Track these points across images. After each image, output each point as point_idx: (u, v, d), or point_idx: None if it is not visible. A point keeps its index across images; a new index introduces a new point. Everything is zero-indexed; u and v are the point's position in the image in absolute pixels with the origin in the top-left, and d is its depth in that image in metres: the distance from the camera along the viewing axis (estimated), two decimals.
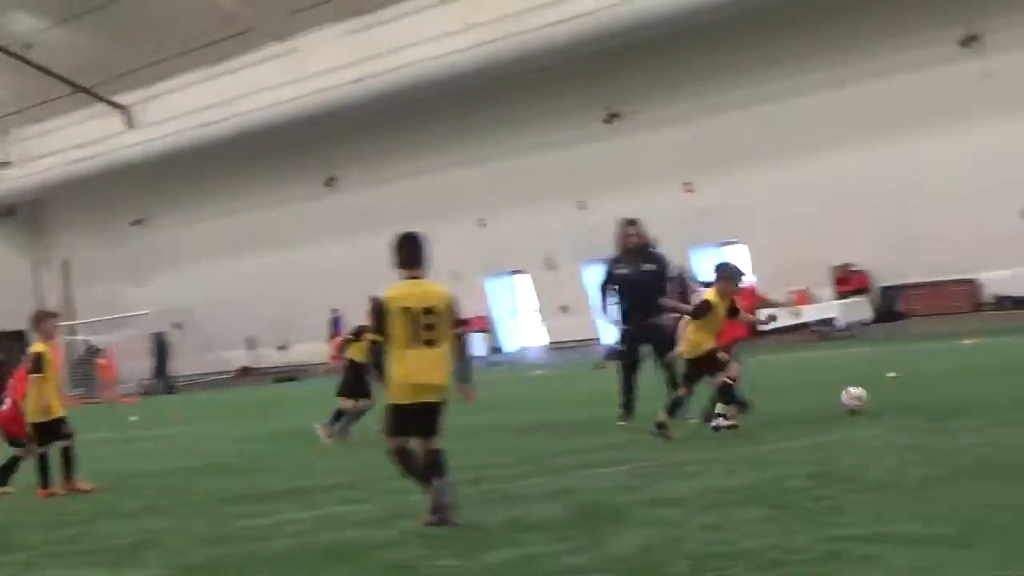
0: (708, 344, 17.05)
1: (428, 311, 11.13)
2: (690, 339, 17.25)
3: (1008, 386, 19.49)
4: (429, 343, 11.10)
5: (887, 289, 48.04)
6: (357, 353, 21.67)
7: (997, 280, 44.90)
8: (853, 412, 16.72)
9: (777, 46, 47.85)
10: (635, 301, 19.78)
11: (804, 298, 46.14)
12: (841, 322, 45.96)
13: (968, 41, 44.06)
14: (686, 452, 14.94)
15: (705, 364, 17.03)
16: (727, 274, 17.51)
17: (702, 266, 51.14)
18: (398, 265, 11.40)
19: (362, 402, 21.83)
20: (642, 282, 19.82)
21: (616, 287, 20.13)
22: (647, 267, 20.01)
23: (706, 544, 9.16)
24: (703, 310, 17.14)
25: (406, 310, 11.10)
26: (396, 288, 11.30)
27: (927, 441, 13.78)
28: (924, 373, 24.27)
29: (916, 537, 8.69)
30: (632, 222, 20.61)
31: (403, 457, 11.29)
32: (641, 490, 12.18)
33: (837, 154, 47.22)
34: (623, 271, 20.04)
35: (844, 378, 20.23)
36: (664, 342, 19.43)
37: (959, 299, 45.74)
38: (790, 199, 48.53)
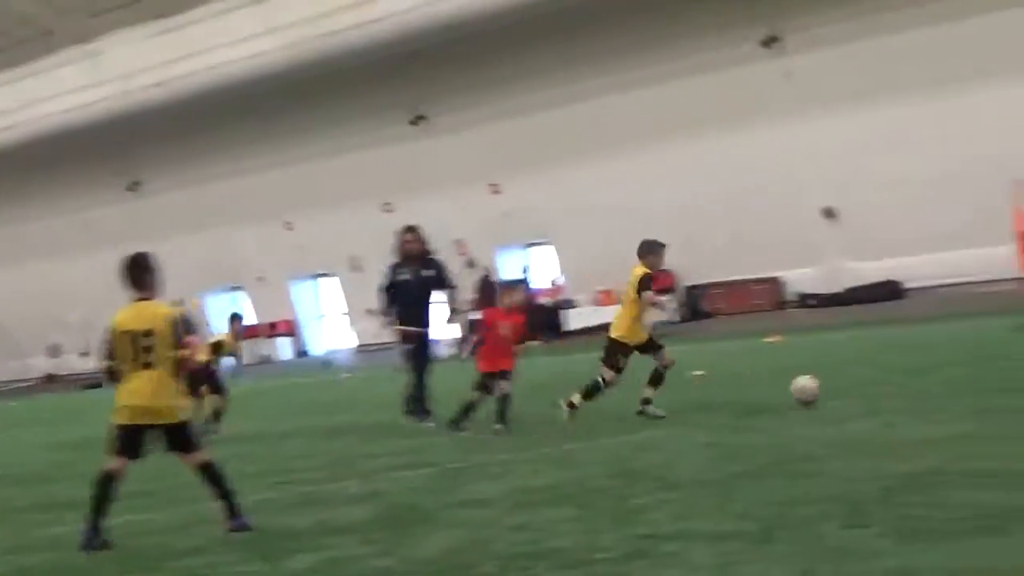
0: (636, 335, 17.51)
1: (147, 334, 11.10)
2: (627, 321, 17.49)
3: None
4: (147, 365, 11.10)
5: (692, 288, 48.64)
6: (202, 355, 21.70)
7: (799, 278, 45.75)
8: (807, 404, 16.72)
9: (582, 47, 48.19)
10: (413, 306, 20.12)
11: (610, 298, 46.53)
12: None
13: (770, 41, 44.78)
14: (491, 453, 14.97)
15: (646, 348, 17.51)
16: (654, 248, 17.76)
17: (508, 267, 51.52)
18: (127, 287, 11.36)
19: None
20: (421, 288, 20.16)
21: (396, 292, 20.41)
22: (426, 273, 20.35)
23: (513, 544, 9.19)
24: (648, 283, 17.40)
25: (126, 333, 11.14)
26: (121, 312, 11.31)
27: (730, 439, 13.97)
28: (728, 371, 24.59)
29: (719, 533, 8.80)
30: (412, 229, 21.09)
31: (105, 481, 11.16)
32: (448, 491, 12.18)
33: (642, 154, 47.70)
34: (403, 277, 20.31)
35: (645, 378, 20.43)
36: (424, 354, 20.25)
37: (762, 298, 46.52)
38: (597, 199, 48.92)
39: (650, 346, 17.75)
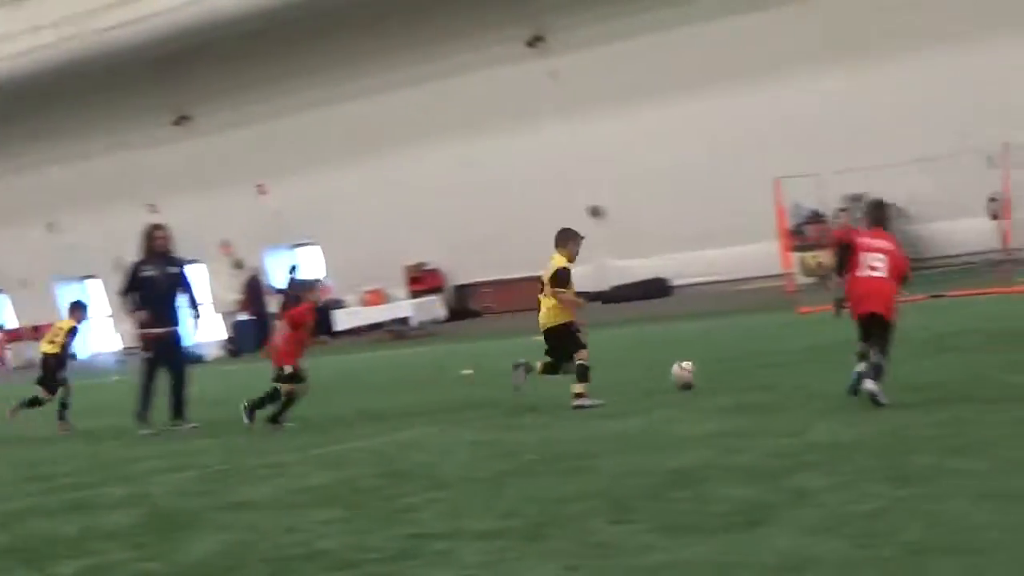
0: (566, 316, 17.17)
1: None
2: (555, 311, 17.26)
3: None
4: None
5: (460, 287, 48.83)
6: (47, 347, 22.21)
7: None
8: (686, 386, 16.77)
9: (349, 47, 48.10)
10: (159, 303, 19.90)
11: (378, 298, 46.53)
12: (415, 321, 46.47)
13: (534, 41, 45.19)
14: (259, 455, 14.86)
15: (564, 337, 17.08)
16: (571, 235, 17.59)
17: (276, 268, 51.13)
18: None
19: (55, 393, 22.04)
20: (167, 284, 19.96)
21: (140, 289, 20.10)
22: (172, 270, 20.13)
23: (281, 546, 9.14)
24: (566, 278, 17.22)
25: None
26: None
27: (499, 437, 14.06)
28: (497, 369, 24.67)
29: (489, 531, 8.85)
30: (159, 226, 20.75)
31: None
32: (216, 494, 12.06)
33: (409, 155, 47.78)
34: (150, 273, 20.03)
35: (417, 376, 20.53)
36: (177, 353, 19.99)
37: (531, 296, 46.70)
38: (364, 199, 48.87)
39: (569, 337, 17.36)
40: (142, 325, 19.97)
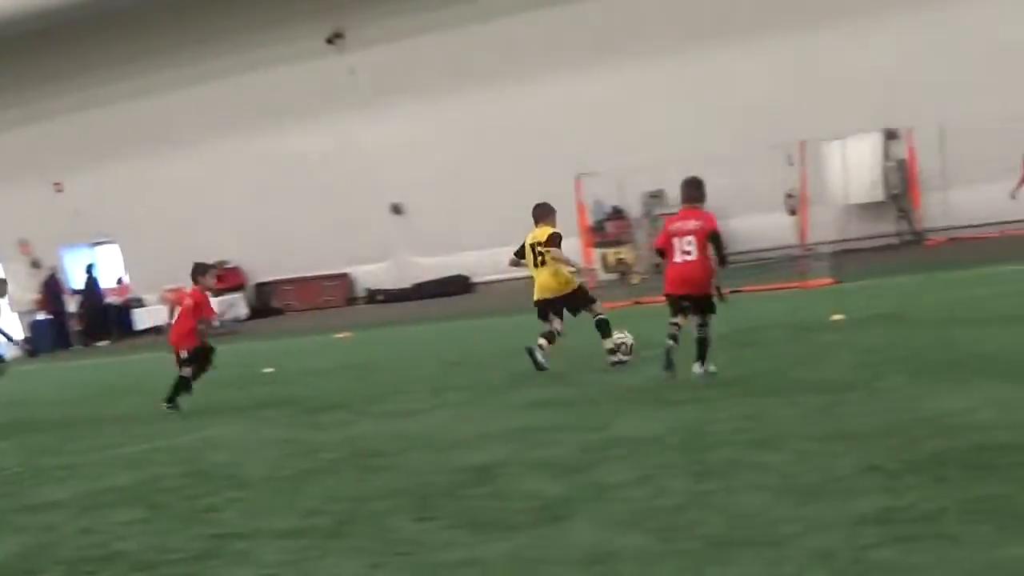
0: (573, 281, 17.73)
1: None
2: (557, 276, 17.68)
3: (379, 378, 20.01)
4: None
5: (262, 285, 48.42)
6: None
7: (368, 274, 46.08)
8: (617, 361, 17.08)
9: (146, 41, 47.37)
10: None
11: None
12: (217, 319, 45.87)
13: (334, 38, 44.99)
14: (57, 456, 14.57)
15: (579, 299, 17.79)
16: (550, 209, 18.30)
17: (74, 267, 50.18)
18: None
19: None
20: None
21: None
22: None
23: (81, 548, 8.96)
24: (559, 241, 17.86)
25: None
26: None
27: (303, 435, 13.94)
28: (300, 368, 24.55)
29: (291, 530, 8.76)
30: None
31: None
32: (11, 496, 11.78)
33: (209, 149, 47.24)
34: None
35: (218, 375, 20.25)
36: None
37: (332, 293, 46.67)
38: (163, 196, 48.22)
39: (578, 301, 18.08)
40: None
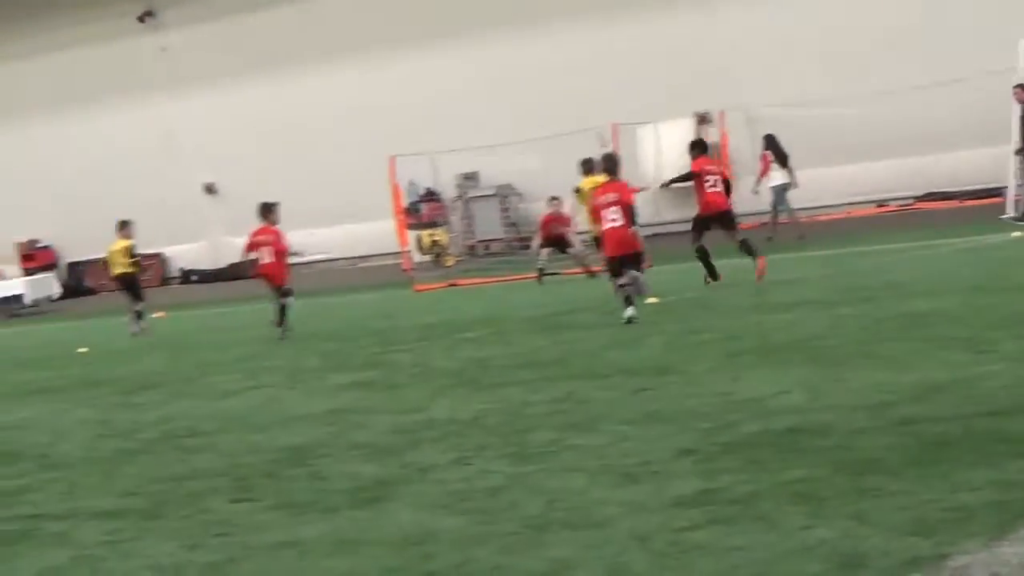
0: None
1: None
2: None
3: (195, 358, 19.81)
4: None
5: (74, 264, 47.65)
6: None
7: (183, 254, 45.61)
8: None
9: None
10: None
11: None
12: (28, 299, 45.05)
13: (145, 16, 44.51)
14: None
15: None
16: (617, 159, 18.91)
17: None
18: None
19: None
20: None
21: None
22: None
23: None
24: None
25: None
26: None
27: (117, 415, 13.74)
28: (113, 348, 24.22)
29: (108, 511, 8.60)
30: None
31: None
32: None
33: (18, 127, 46.47)
34: None
35: (30, 356, 19.94)
36: None
37: (147, 273, 46.02)
38: None
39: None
40: None
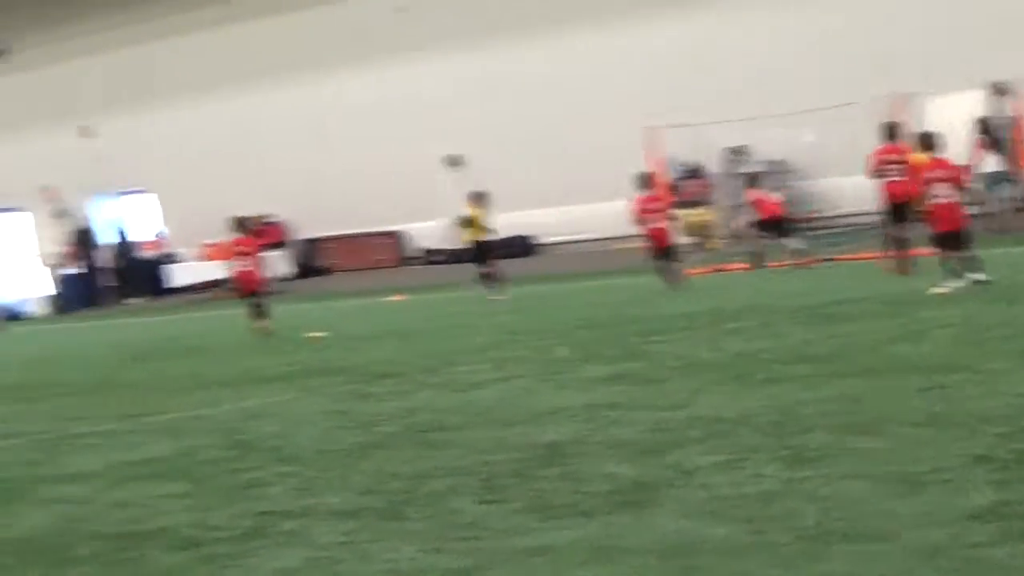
0: None
1: None
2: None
3: (437, 345, 20.06)
4: None
5: (307, 242, 48.50)
6: None
7: (423, 232, 46.04)
8: None
9: None
10: None
11: (218, 253, 45.97)
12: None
13: None
14: (89, 422, 14.65)
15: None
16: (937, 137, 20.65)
17: (102, 216, 50.45)
18: None
19: None
20: None
21: None
22: None
23: (116, 523, 9.02)
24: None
25: None
26: None
27: (354, 406, 13.97)
28: (349, 333, 24.62)
29: (343, 510, 8.78)
30: None
31: None
32: (43, 464, 11.89)
33: (252, 95, 47.26)
34: None
35: (262, 341, 20.37)
36: None
37: (383, 253, 46.71)
38: (203, 144, 48.34)
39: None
40: None
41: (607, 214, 41.17)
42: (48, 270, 50.93)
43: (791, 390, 11.82)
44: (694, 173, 40.09)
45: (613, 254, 38.15)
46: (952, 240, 19.44)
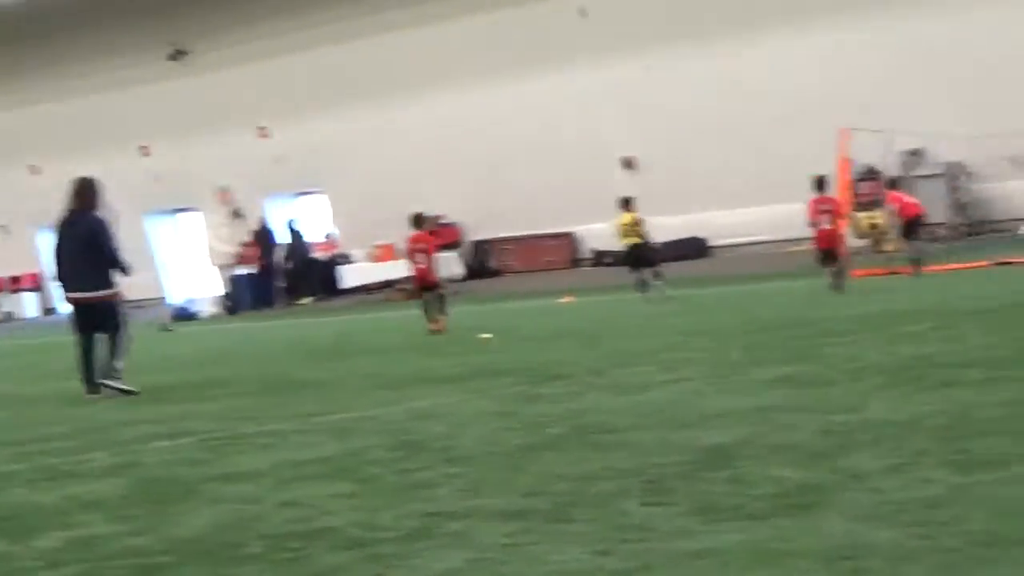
0: None
1: None
2: None
3: (606, 347, 20.08)
4: None
5: (480, 244, 48.74)
6: None
7: (595, 234, 46.00)
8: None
9: None
10: (71, 265, 19.58)
11: (389, 253, 46.42)
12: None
13: None
14: (258, 422, 14.82)
15: None
16: None
17: (278, 216, 51.09)
18: None
19: None
20: (77, 244, 19.50)
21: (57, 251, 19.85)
22: (81, 228, 19.52)
23: (283, 522, 9.11)
24: None
25: None
26: None
27: (522, 408, 14.01)
28: (519, 334, 24.72)
29: (509, 511, 8.80)
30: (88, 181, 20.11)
31: None
32: (211, 464, 12.04)
33: (424, 99, 47.61)
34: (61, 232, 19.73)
35: (431, 340, 20.51)
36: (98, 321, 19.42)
37: (555, 254, 46.82)
38: (375, 146, 48.76)
39: None
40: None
41: (783, 216, 40.94)
42: (218, 270, 51.68)
43: (964, 394, 11.69)
44: (870, 175, 39.69)
45: (787, 256, 37.91)
46: None
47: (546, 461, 10.56)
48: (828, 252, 27.47)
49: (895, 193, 32.05)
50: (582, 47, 44.36)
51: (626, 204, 32.11)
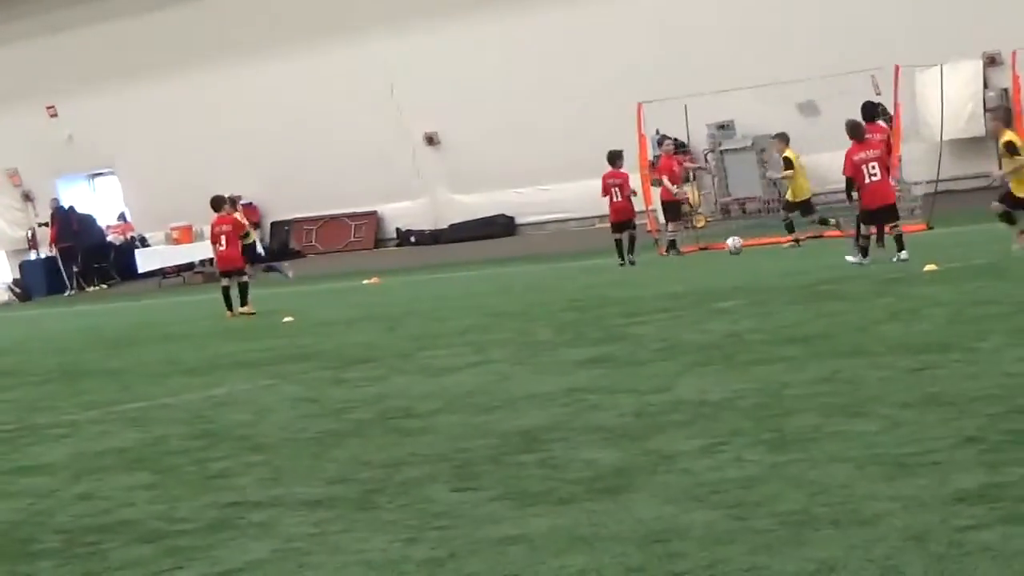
0: None
1: None
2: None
3: (412, 329, 20.07)
4: None
5: (279, 224, 48.41)
6: None
7: (399, 213, 45.92)
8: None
9: None
10: None
11: (187, 236, 45.87)
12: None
13: None
14: (52, 413, 14.62)
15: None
16: None
17: (71, 199, 50.25)
18: None
19: None
20: None
21: None
22: None
23: (79, 516, 9.01)
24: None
25: None
26: None
27: (326, 393, 13.97)
28: (322, 317, 24.63)
29: (314, 499, 8.78)
30: None
31: None
32: (3, 456, 11.86)
33: (221, 72, 46.97)
34: None
35: (231, 324, 20.34)
36: None
37: (359, 234, 46.62)
38: (169, 124, 48.09)
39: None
40: None
41: (590, 193, 41.18)
42: (8, 256, 50.84)
43: (776, 371, 11.84)
44: (679, 149, 39.99)
45: (595, 233, 38.14)
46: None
47: (351, 447, 10.53)
48: (621, 224, 29.35)
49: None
50: (379, 17, 44.04)
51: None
